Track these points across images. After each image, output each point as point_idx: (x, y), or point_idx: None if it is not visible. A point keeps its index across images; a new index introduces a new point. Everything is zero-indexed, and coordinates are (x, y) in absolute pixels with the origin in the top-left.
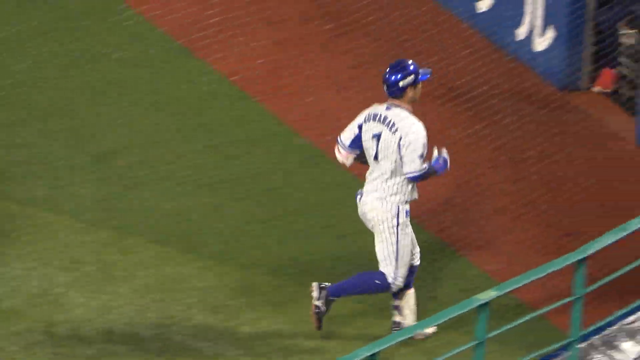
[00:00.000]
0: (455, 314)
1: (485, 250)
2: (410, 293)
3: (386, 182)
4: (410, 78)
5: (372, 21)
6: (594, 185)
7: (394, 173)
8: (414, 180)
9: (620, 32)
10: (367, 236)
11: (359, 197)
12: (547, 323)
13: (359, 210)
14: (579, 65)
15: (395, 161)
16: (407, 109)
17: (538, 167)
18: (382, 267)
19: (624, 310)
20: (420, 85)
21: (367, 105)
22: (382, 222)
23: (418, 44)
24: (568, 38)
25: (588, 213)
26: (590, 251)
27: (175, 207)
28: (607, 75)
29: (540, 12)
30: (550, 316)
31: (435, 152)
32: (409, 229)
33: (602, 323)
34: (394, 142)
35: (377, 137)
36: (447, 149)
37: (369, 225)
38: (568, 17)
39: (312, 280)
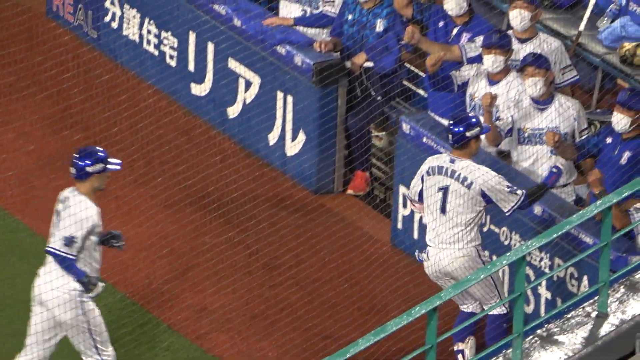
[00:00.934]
0: None
1: (246, 356)
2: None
3: (457, 234)
4: (476, 130)
5: (118, 132)
6: (350, 287)
7: (467, 223)
8: (522, 209)
9: (372, 135)
10: None
11: (424, 255)
12: None
13: (432, 269)
14: (331, 169)
15: (470, 211)
16: (469, 159)
17: (294, 272)
18: (488, 307)
19: None
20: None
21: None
22: (469, 269)
23: (165, 153)
24: (319, 142)
25: (345, 315)
26: (349, 355)
27: None
28: (360, 177)
29: (290, 116)
30: None
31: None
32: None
33: None
34: (466, 193)
35: (444, 190)
36: (200, 255)
37: (445, 280)
38: (318, 121)
39: None
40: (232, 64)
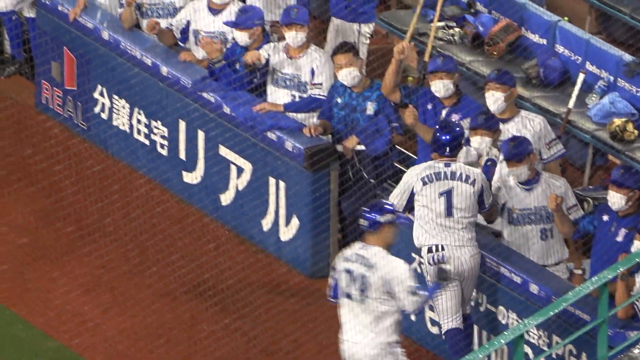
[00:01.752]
0: None
1: None
2: None
3: (467, 233)
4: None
5: (111, 222)
6: None
7: (469, 225)
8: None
9: None
10: None
11: (438, 258)
12: None
13: (455, 271)
14: (326, 252)
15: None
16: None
17: (292, 357)
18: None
19: None
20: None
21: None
22: (477, 272)
23: (159, 242)
24: (313, 226)
25: None
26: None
27: None
28: None
29: (283, 202)
30: None
31: None
32: None
33: None
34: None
35: (447, 193)
36: (197, 343)
37: (455, 282)
38: (311, 205)
39: None
40: (223, 151)
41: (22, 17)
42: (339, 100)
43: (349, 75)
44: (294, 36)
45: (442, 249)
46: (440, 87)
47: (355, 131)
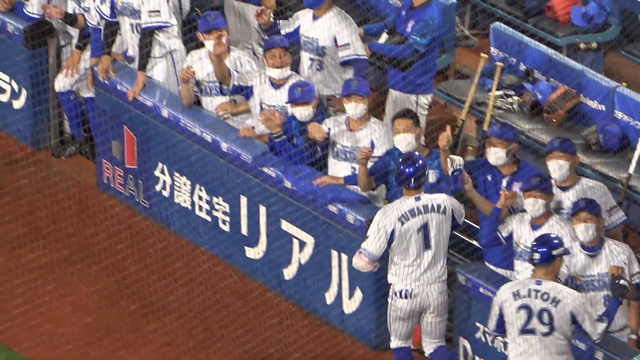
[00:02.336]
0: None
1: None
2: None
3: (442, 266)
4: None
5: (175, 299)
6: None
7: (445, 254)
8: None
9: None
10: None
11: (407, 293)
12: None
13: (412, 306)
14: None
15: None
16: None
17: None
18: (443, 342)
19: None
20: None
21: None
22: (444, 303)
23: (223, 318)
24: (376, 298)
25: None
26: None
27: None
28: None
29: (346, 274)
30: None
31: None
32: None
33: None
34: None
35: (424, 227)
36: None
37: (417, 317)
38: (374, 277)
39: None
40: (285, 226)
41: (80, 97)
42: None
43: (403, 140)
44: (354, 107)
45: (412, 287)
46: (493, 154)
47: None
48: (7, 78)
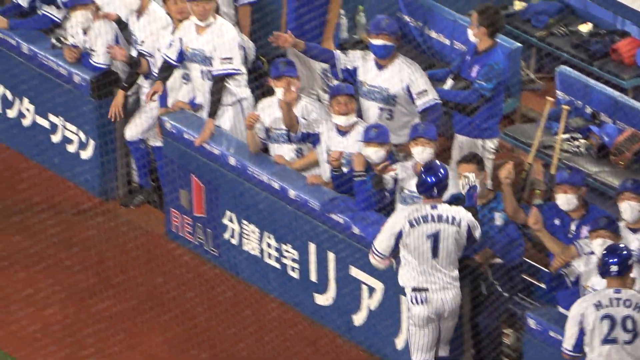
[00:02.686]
0: None
1: None
2: None
3: (451, 273)
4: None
5: (245, 347)
6: None
7: (456, 265)
8: None
9: (503, 332)
10: None
11: (421, 297)
12: None
13: (428, 312)
14: None
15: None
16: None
17: None
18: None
19: None
20: None
21: None
22: (457, 313)
23: None
24: None
25: None
26: None
27: None
28: None
29: None
30: None
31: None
32: None
33: None
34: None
35: (435, 235)
36: None
37: (436, 326)
38: None
39: None
40: (354, 272)
41: (149, 146)
42: None
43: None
44: (421, 151)
45: (426, 290)
46: (564, 200)
47: (487, 244)
48: (74, 129)
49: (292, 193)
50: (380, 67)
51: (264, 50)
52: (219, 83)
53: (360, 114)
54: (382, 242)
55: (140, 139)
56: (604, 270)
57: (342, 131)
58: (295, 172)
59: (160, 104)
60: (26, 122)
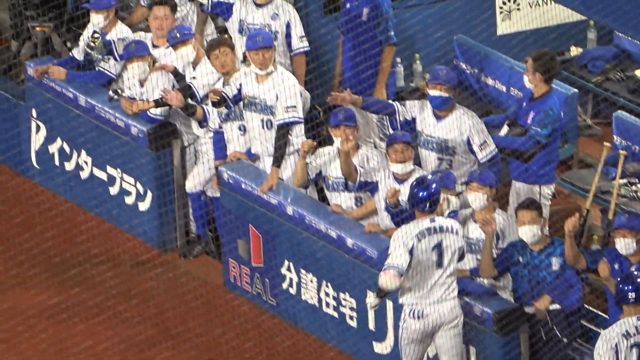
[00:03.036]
0: None
1: None
2: None
3: (451, 284)
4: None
5: None
6: None
7: (455, 274)
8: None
9: None
10: None
11: (419, 313)
12: None
13: (424, 326)
14: None
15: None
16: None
17: None
18: None
19: None
20: None
21: None
22: (458, 324)
23: None
24: None
25: None
26: None
27: None
28: None
29: None
30: None
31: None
32: None
33: None
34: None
35: (439, 245)
36: None
37: (430, 339)
38: None
39: None
40: None
41: (207, 197)
42: (520, 258)
43: (529, 232)
44: (475, 198)
45: (424, 305)
46: (623, 245)
47: (546, 290)
48: (132, 180)
49: (349, 242)
50: (438, 117)
51: (320, 99)
52: (283, 131)
53: (418, 162)
54: (399, 257)
55: (201, 190)
56: (620, 298)
57: (400, 179)
58: (353, 220)
59: (216, 155)
60: (84, 174)
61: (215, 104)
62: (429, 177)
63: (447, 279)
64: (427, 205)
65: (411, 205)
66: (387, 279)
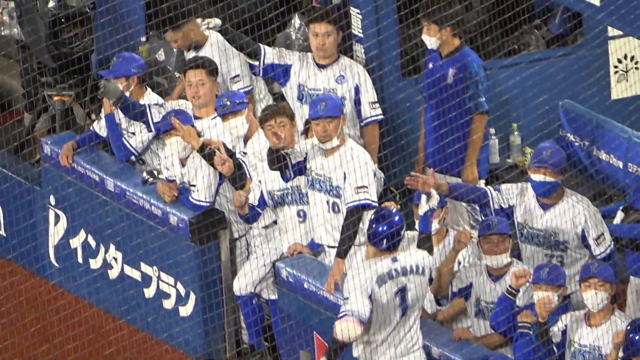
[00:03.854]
0: None
1: None
2: None
3: (414, 333)
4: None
5: None
6: None
7: (419, 319)
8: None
9: None
10: None
11: None
12: None
13: None
14: None
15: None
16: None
17: None
18: None
19: None
20: None
21: None
22: None
23: None
24: None
25: None
26: None
27: None
28: None
29: None
30: None
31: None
32: None
33: None
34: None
35: (401, 290)
36: None
37: None
38: None
39: None
40: None
41: (262, 300)
42: None
43: None
44: (594, 296)
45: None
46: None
47: None
48: (171, 280)
49: (435, 351)
50: (544, 206)
51: (397, 179)
52: (353, 216)
53: (518, 256)
54: (357, 302)
55: (253, 293)
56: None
57: (494, 276)
58: (438, 325)
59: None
60: (113, 273)
61: (272, 164)
62: (392, 209)
63: (412, 327)
64: (385, 241)
65: (370, 242)
66: (346, 327)
